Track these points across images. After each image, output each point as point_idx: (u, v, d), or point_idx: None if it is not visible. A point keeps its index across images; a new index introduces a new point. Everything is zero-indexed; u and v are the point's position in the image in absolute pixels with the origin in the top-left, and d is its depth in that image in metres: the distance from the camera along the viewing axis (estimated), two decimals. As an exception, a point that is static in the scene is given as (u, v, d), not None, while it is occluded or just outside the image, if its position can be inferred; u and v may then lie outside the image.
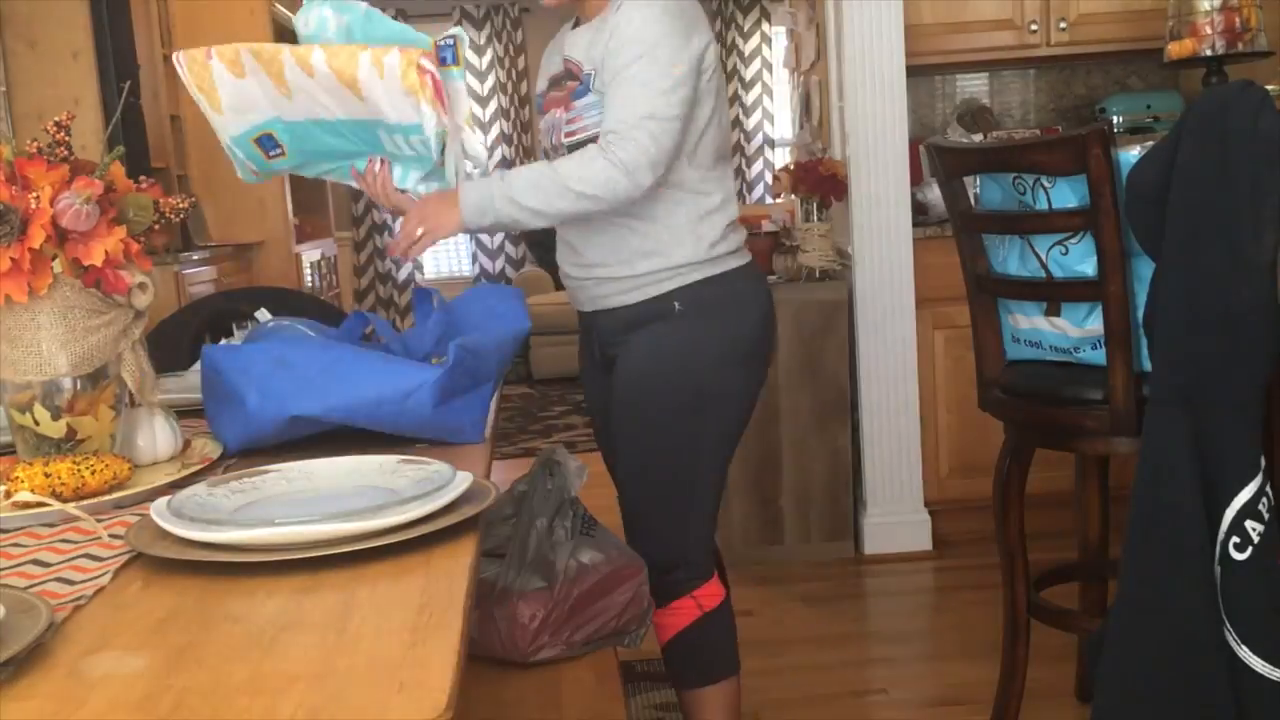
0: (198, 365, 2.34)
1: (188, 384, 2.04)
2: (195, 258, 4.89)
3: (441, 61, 1.69)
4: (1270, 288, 1.75)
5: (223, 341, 2.42)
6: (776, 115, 8.66)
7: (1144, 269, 1.95)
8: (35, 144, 1.27)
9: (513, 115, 8.43)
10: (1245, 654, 1.76)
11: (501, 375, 1.57)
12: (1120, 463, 2.36)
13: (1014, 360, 2.24)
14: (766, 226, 4.08)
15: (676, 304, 1.88)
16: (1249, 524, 1.76)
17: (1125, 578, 1.86)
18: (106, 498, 1.22)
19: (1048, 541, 2.88)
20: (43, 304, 1.26)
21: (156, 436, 1.39)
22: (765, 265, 3.75)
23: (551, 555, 2.04)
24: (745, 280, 1.94)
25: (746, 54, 8.66)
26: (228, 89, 1.70)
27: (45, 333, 1.27)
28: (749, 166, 8.71)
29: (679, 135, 1.79)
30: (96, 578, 1.00)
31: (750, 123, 8.72)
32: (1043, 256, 2.06)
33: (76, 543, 1.11)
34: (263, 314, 2.21)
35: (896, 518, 3.69)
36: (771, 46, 8.60)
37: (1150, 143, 1.91)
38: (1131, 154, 1.92)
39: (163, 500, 1.11)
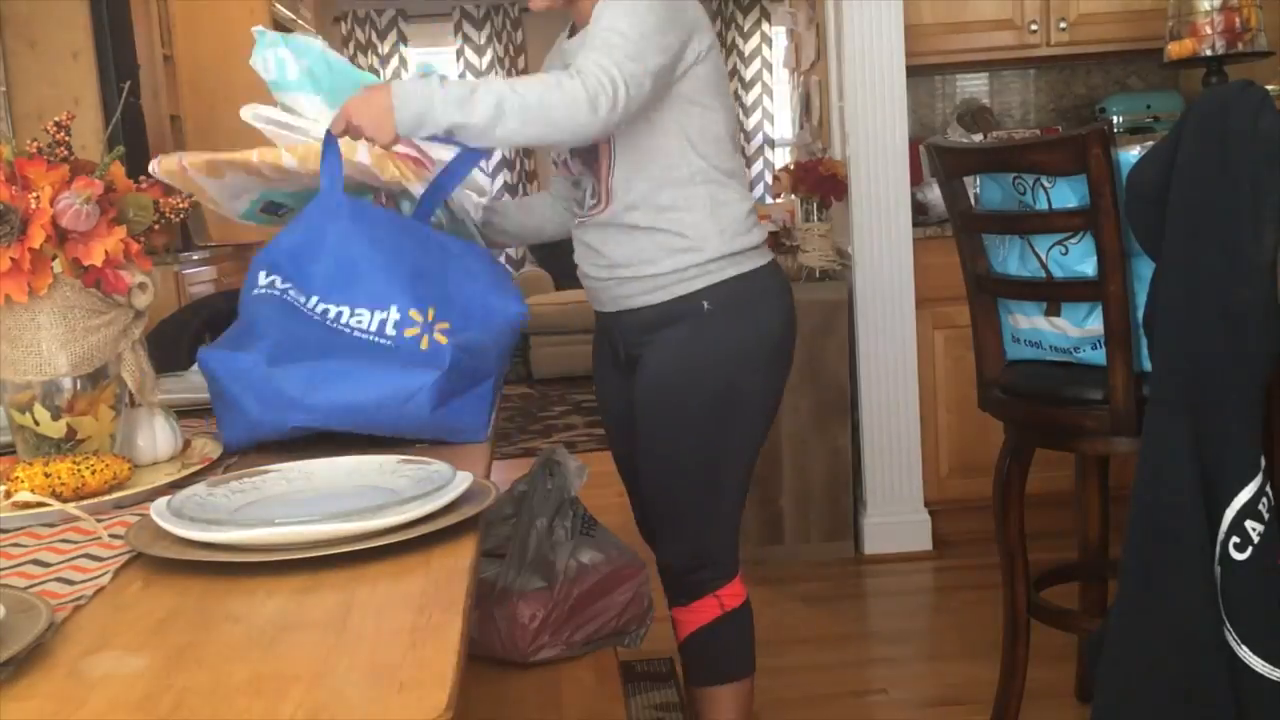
0: (198, 365, 2.35)
1: (188, 384, 2.04)
2: (195, 258, 4.89)
3: None
4: (1270, 288, 1.75)
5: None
6: (776, 115, 8.66)
7: (1144, 269, 1.95)
8: (35, 144, 1.27)
9: (513, 115, 8.43)
10: (1245, 654, 1.76)
11: (502, 368, 1.56)
12: (1120, 463, 2.36)
13: (1014, 360, 2.24)
14: (767, 226, 4.07)
15: (706, 303, 1.85)
16: (1249, 524, 1.76)
17: (1125, 578, 1.86)
18: (106, 498, 1.22)
19: (1048, 541, 2.88)
20: (43, 304, 1.26)
21: (156, 436, 1.39)
22: (765, 265, 3.74)
23: (551, 555, 2.04)
24: (771, 278, 1.93)
25: (746, 54, 8.66)
26: (213, 188, 1.74)
27: (45, 333, 1.27)
28: (749, 166, 8.71)
29: (648, 92, 1.70)
30: (96, 578, 1.00)
31: (750, 123, 8.72)
32: (1043, 256, 2.07)
33: (76, 543, 1.11)
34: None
35: (896, 518, 3.69)
36: (771, 46, 8.60)
37: (1150, 143, 1.91)
38: (1131, 154, 1.92)
39: (163, 500, 1.11)
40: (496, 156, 8.36)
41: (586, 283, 1.99)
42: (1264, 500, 1.76)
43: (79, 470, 1.21)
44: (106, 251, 1.26)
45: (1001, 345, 2.25)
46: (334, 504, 1.14)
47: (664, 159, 1.83)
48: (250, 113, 1.79)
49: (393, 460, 1.24)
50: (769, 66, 8.64)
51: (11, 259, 1.21)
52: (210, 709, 0.75)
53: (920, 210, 3.70)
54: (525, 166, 8.57)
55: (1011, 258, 2.15)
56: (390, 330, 1.47)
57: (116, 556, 1.06)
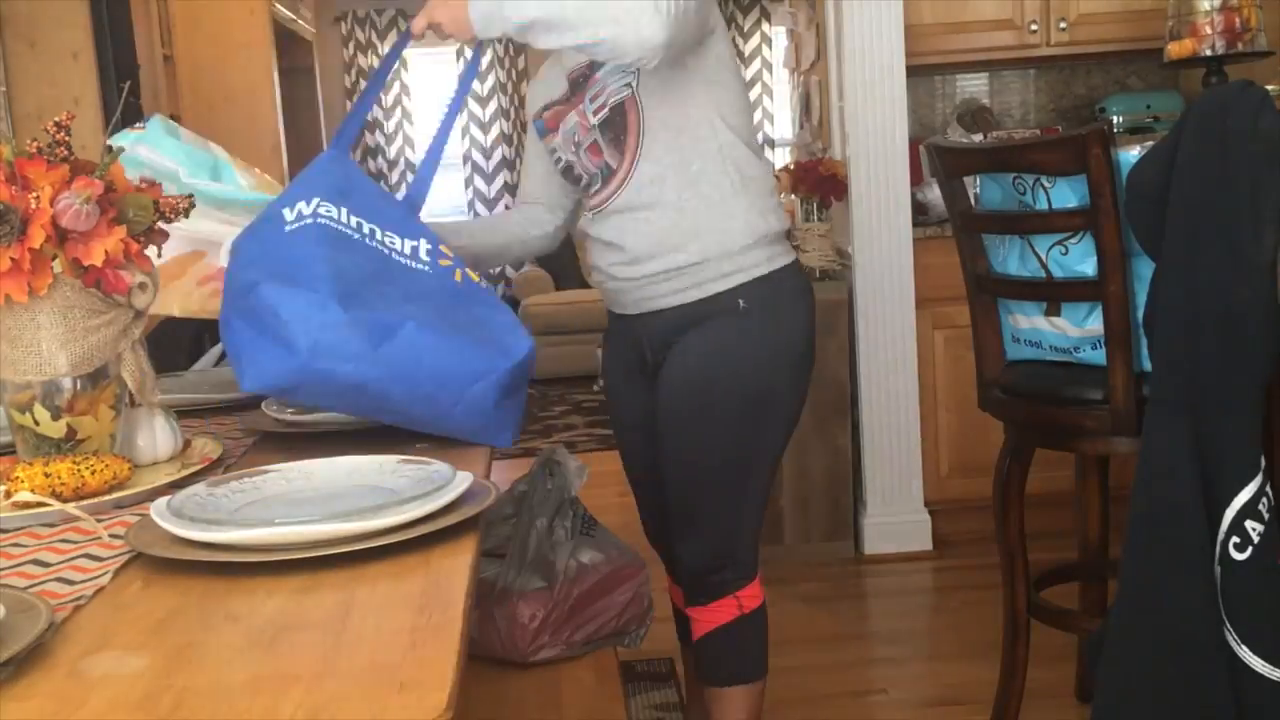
0: (198, 365, 2.35)
1: (188, 384, 2.04)
2: (195, 258, 4.88)
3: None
4: (1270, 288, 1.75)
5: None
6: (776, 115, 8.65)
7: (1144, 269, 1.95)
8: (35, 144, 1.26)
9: (512, 115, 8.44)
10: (1245, 654, 1.76)
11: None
12: (1120, 463, 2.36)
13: (1014, 360, 2.24)
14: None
15: (741, 302, 1.83)
16: (1249, 524, 1.76)
17: (1125, 578, 1.86)
18: (106, 498, 1.22)
19: (1048, 541, 2.88)
20: (43, 304, 1.26)
21: (156, 436, 1.39)
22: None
23: (551, 555, 2.04)
24: (798, 277, 1.92)
25: (746, 54, 8.66)
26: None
27: (45, 333, 1.27)
28: (749, 166, 8.69)
29: (695, 30, 1.71)
30: (96, 578, 1.00)
31: (750, 123, 8.71)
32: (1043, 256, 2.07)
33: (76, 543, 1.11)
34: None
35: (896, 518, 3.69)
36: (771, 46, 8.60)
37: (1150, 143, 1.91)
38: (1131, 154, 1.92)
39: (163, 500, 1.11)
40: (497, 156, 8.35)
41: (609, 285, 1.93)
42: (1264, 500, 1.76)
43: (79, 470, 1.21)
44: (106, 251, 1.26)
45: (1001, 345, 2.25)
46: (334, 504, 1.14)
47: (693, 130, 1.81)
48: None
49: (393, 460, 1.24)
50: (769, 66, 8.64)
51: (11, 259, 1.21)
52: (210, 709, 0.75)
53: (920, 210, 3.70)
54: (523, 142, 8.54)
55: (1011, 258, 2.15)
56: (424, 256, 1.43)
57: (116, 556, 1.06)
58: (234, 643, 0.87)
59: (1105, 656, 1.86)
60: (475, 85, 8.57)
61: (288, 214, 1.41)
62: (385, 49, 8.47)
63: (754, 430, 1.87)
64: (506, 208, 8.29)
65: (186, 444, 1.44)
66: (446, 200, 8.14)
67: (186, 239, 1.60)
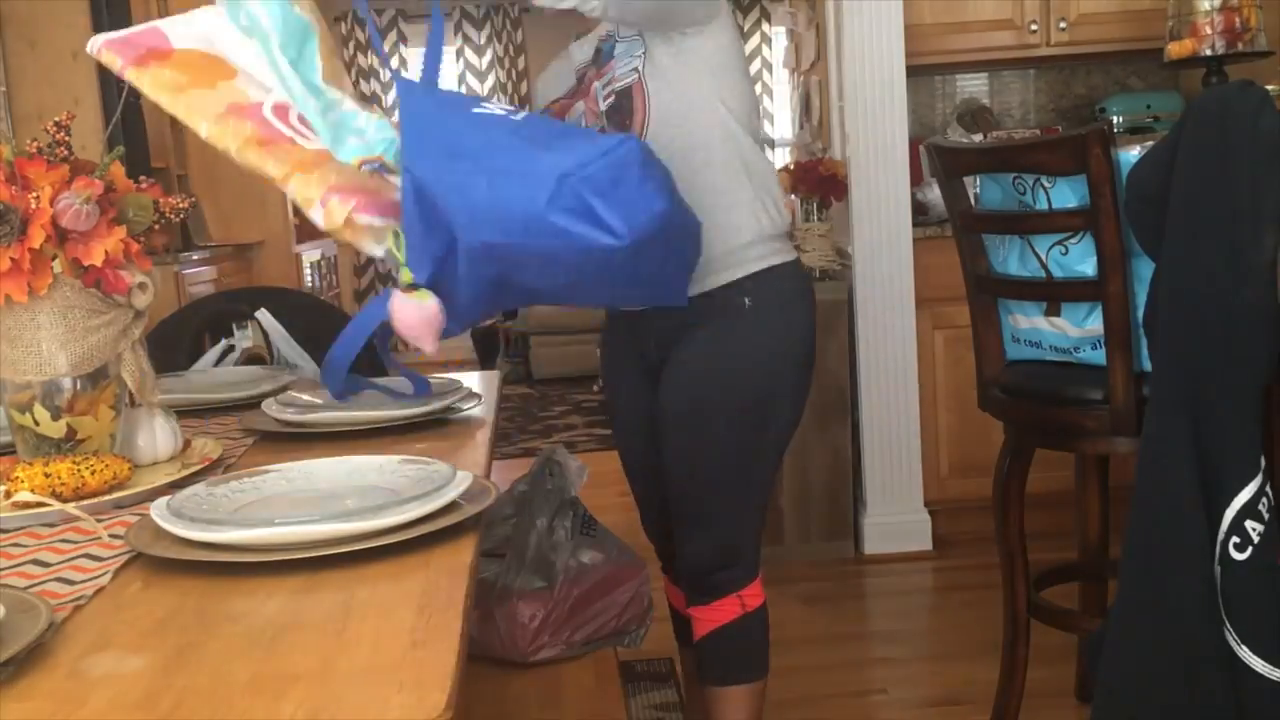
0: (198, 365, 2.35)
1: (188, 384, 2.04)
2: (195, 258, 4.89)
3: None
4: (1270, 288, 1.75)
5: (222, 341, 2.43)
6: (776, 115, 8.66)
7: (1144, 269, 1.95)
8: (35, 144, 1.27)
9: (513, 115, 8.43)
10: (1245, 654, 1.76)
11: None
12: (1120, 463, 2.36)
13: (1014, 360, 2.24)
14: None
15: (747, 300, 1.83)
16: (1249, 524, 1.76)
17: (1125, 578, 1.86)
18: (106, 498, 1.22)
19: (1048, 541, 2.88)
20: (43, 304, 1.26)
21: (156, 436, 1.39)
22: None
23: (551, 555, 2.04)
24: (801, 276, 1.93)
25: (746, 54, 8.66)
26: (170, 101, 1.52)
27: (45, 333, 1.27)
28: (749, 166, 8.70)
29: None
30: (96, 578, 1.00)
31: (750, 123, 8.72)
32: (1043, 256, 2.07)
33: (76, 543, 1.11)
34: (263, 314, 2.22)
35: (896, 518, 3.69)
36: (771, 46, 8.60)
37: (1150, 143, 1.91)
38: (1131, 154, 1.92)
39: (163, 500, 1.11)
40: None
41: None
42: (1264, 500, 1.76)
43: (79, 470, 1.21)
44: (106, 251, 1.26)
45: (1001, 345, 2.25)
46: (334, 504, 1.14)
47: (698, 117, 1.81)
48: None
49: (393, 460, 1.24)
50: (769, 66, 8.64)
51: (11, 259, 1.21)
52: (210, 709, 0.75)
53: (920, 210, 3.70)
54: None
55: (1011, 258, 2.15)
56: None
57: (116, 556, 1.06)
58: (234, 643, 0.87)
59: (1105, 656, 1.86)
60: (475, 83, 8.57)
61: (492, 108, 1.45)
62: (385, 49, 8.47)
63: (757, 429, 1.87)
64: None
65: (186, 444, 1.44)
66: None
67: (204, 39, 1.48)
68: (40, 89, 4.30)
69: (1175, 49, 3.37)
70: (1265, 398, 1.81)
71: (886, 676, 2.86)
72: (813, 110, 4.26)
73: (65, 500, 1.18)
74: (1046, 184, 2.02)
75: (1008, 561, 2.28)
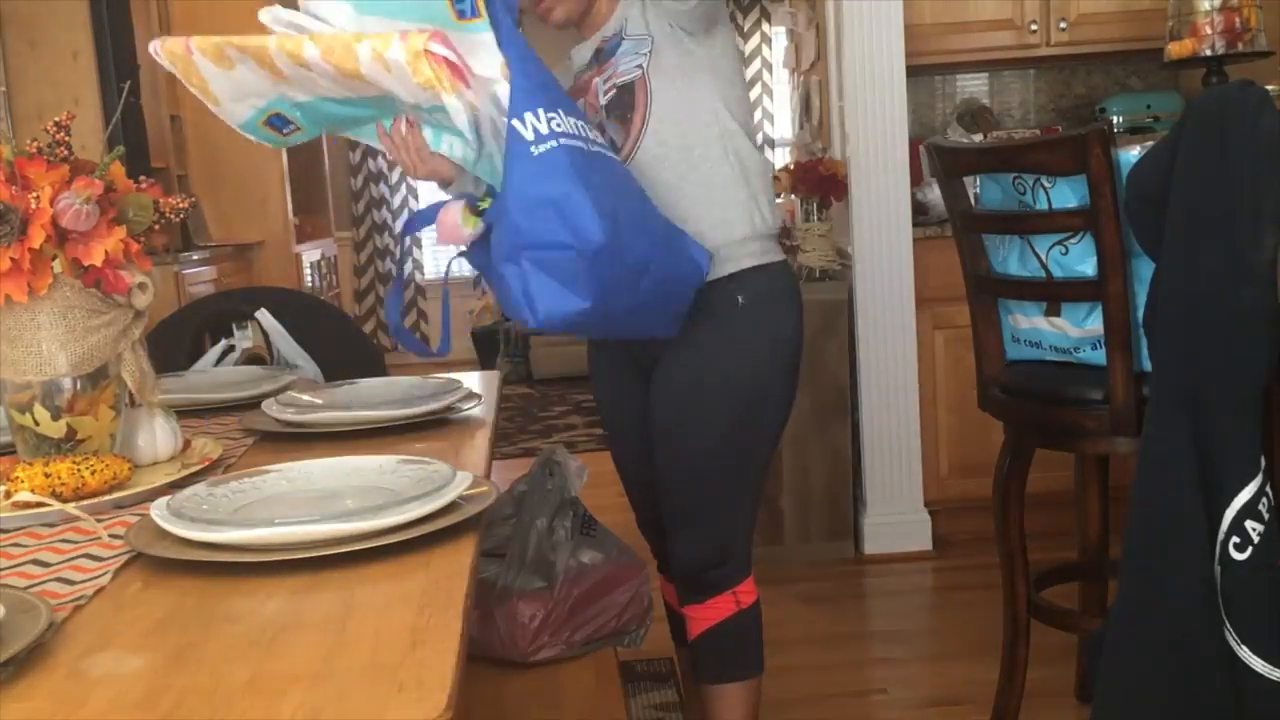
0: (198, 365, 2.35)
1: (188, 384, 2.04)
2: (195, 258, 4.90)
3: (460, 15, 1.53)
4: (1270, 288, 1.75)
5: (222, 341, 2.43)
6: (776, 115, 8.66)
7: (1144, 269, 1.95)
8: (35, 144, 1.27)
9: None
10: (1245, 654, 1.76)
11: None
12: (1120, 463, 2.36)
13: (1014, 360, 2.24)
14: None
15: (740, 298, 1.85)
16: (1249, 524, 1.76)
17: (1125, 578, 1.86)
18: (106, 498, 1.22)
19: (1048, 541, 2.88)
20: (43, 304, 1.26)
21: (156, 436, 1.39)
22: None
23: (551, 555, 2.04)
24: (790, 276, 1.95)
25: (746, 54, 8.66)
26: (218, 82, 1.57)
27: (45, 333, 1.27)
28: (749, 166, 8.70)
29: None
30: (96, 578, 1.00)
31: (750, 123, 8.71)
32: (1043, 256, 2.07)
33: (76, 543, 1.11)
34: (263, 314, 2.22)
35: (896, 518, 3.69)
36: (771, 46, 8.60)
37: (1150, 143, 1.91)
38: (1131, 154, 1.92)
39: (163, 500, 1.11)
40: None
41: None
42: (1264, 500, 1.76)
43: (79, 470, 1.21)
44: (106, 251, 1.26)
45: (1001, 345, 2.25)
46: (334, 504, 1.14)
47: (698, 115, 1.83)
48: (269, 15, 1.62)
49: (393, 460, 1.24)
50: (769, 66, 8.64)
51: (11, 259, 1.21)
52: (210, 709, 0.75)
53: (920, 210, 3.70)
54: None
55: (1011, 258, 2.15)
56: (599, 138, 1.63)
57: (116, 556, 1.06)
58: (234, 643, 0.87)
59: (1105, 656, 1.86)
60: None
61: (524, 130, 1.50)
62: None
63: (748, 427, 1.88)
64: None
65: (186, 444, 1.44)
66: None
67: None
68: (40, 89, 4.30)
69: (1175, 49, 3.37)
70: (1265, 398, 1.81)
71: (886, 676, 2.86)
72: (813, 110, 4.26)
73: (65, 500, 1.18)
74: (1046, 184, 2.02)
75: (1008, 561, 2.28)
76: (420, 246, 8.84)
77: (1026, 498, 2.27)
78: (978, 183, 2.25)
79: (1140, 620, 1.83)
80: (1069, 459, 2.46)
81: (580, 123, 1.57)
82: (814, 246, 3.71)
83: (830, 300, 3.61)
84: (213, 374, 2.18)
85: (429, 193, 6.74)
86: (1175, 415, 1.80)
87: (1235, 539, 1.76)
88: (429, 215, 1.71)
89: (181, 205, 1.38)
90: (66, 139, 1.27)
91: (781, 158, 8.45)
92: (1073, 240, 2.02)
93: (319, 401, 1.70)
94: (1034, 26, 3.74)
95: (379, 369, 2.80)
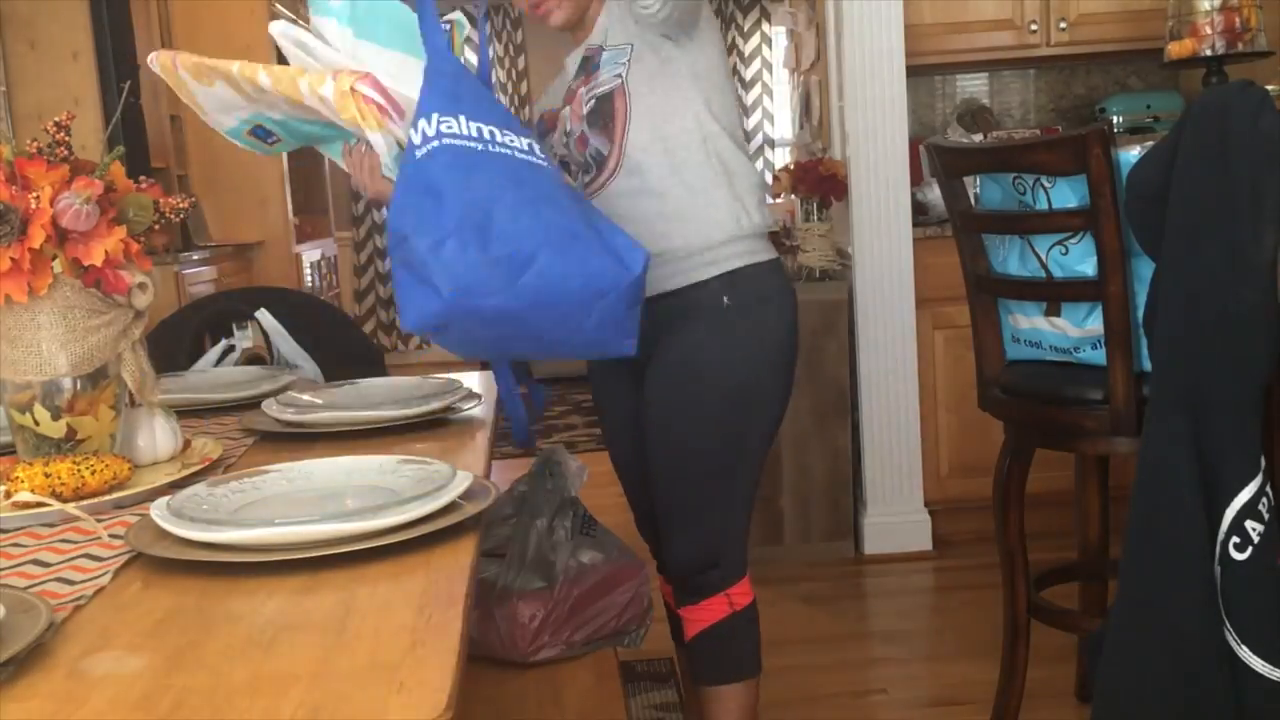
0: (198, 365, 2.35)
1: (188, 384, 2.04)
2: (195, 258, 4.89)
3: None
4: (1270, 288, 1.75)
5: (222, 341, 2.43)
6: (776, 115, 8.66)
7: (1144, 269, 1.95)
8: (35, 144, 1.27)
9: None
10: (1245, 654, 1.76)
11: None
12: (1120, 463, 2.36)
13: (1014, 360, 2.24)
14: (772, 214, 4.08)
15: (726, 298, 1.84)
16: (1249, 524, 1.76)
17: (1125, 578, 1.86)
18: (106, 498, 1.22)
19: (1048, 541, 2.88)
20: (43, 304, 1.26)
21: (156, 436, 1.39)
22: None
23: (551, 555, 2.04)
24: (781, 275, 1.94)
25: (746, 54, 8.66)
26: (204, 96, 1.67)
27: (45, 333, 1.27)
28: (749, 166, 8.70)
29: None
30: (96, 578, 1.00)
31: (750, 123, 8.72)
32: (1043, 256, 2.07)
33: (76, 543, 1.11)
34: (263, 314, 2.22)
35: (896, 518, 3.69)
36: (771, 46, 8.60)
37: (1150, 143, 1.91)
38: (1131, 154, 1.92)
39: (163, 500, 1.11)
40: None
41: None
42: (1264, 500, 1.76)
43: (79, 470, 1.21)
44: (106, 251, 1.26)
45: (1001, 345, 2.25)
46: (334, 504, 1.14)
47: (679, 120, 1.83)
48: (279, 28, 1.72)
49: (393, 460, 1.24)
50: (769, 66, 8.64)
51: (11, 259, 1.21)
52: (210, 709, 0.75)
53: (920, 210, 3.70)
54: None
55: (1011, 258, 2.15)
56: (539, 153, 1.53)
57: (116, 556, 1.06)
58: (234, 643, 0.87)
59: (1105, 656, 1.86)
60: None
61: (414, 136, 1.47)
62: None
63: (738, 428, 1.88)
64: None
65: (186, 444, 1.44)
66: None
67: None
68: (40, 89, 4.30)
69: (1175, 49, 3.37)
70: (1265, 398, 1.81)
71: (886, 676, 2.86)
72: (813, 110, 4.26)
73: (65, 500, 1.18)
74: (1046, 184, 2.02)
75: (1008, 561, 2.28)
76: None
77: (1026, 498, 2.27)
78: (978, 183, 2.25)
79: (1140, 620, 1.83)
80: (1069, 459, 2.46)
81: (488, 126, 1.51)
82: (814, 246, 3.71)
83: (830, 300, 3.61)
84: (213, 374, 2.18)
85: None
86: (1175, 415, 1.80)
87: (1235, 539, 1.76)
88: None
89: (181, 205, 1.38)
90: (66, 139, 1.27)
91: (781, 158, 8.45)
92: (1073, 240, 2.02)
93: (319, 401, 1.70)
94: (1034, 26, 3.74)
95: (379, 369, 2.80)
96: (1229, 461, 1.76)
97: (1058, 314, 2.09)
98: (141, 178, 1.37)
